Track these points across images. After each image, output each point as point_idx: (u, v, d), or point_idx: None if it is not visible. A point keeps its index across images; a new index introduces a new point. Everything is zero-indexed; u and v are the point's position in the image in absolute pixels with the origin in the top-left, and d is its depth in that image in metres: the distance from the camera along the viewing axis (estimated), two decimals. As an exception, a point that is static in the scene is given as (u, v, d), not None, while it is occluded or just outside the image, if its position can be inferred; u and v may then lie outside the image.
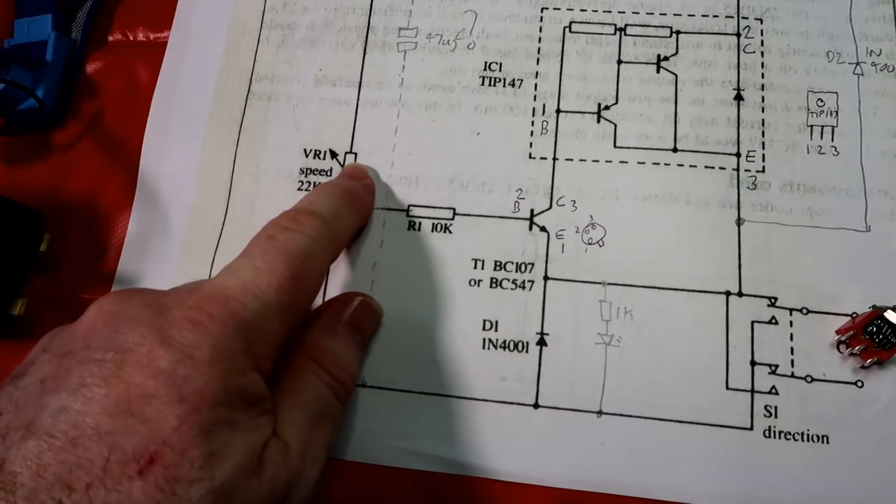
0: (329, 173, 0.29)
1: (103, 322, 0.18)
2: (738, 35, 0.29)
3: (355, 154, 0.29)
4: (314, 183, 0.29)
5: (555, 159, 0.28)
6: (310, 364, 0.23)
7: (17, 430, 0.17)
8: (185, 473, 0.17)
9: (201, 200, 0.29)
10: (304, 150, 0.29)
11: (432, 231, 0.28)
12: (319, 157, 0.29)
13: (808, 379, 0.25)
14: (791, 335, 0.26)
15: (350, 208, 0.26)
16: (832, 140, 0.28)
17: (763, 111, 0.28)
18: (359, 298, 0.26)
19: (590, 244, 0.27)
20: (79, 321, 0.19)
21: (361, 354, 0.26)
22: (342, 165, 0.29)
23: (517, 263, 0.27)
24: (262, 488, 0.19)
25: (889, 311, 0.24)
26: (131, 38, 0.32)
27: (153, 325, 0.18)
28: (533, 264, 0.27)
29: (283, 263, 0.21)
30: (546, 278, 0.27)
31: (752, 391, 0.25)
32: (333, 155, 0.29)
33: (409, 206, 0.28)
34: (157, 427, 0.17)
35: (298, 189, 0.29)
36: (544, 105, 0.29)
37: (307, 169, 0.29)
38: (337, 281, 0.28)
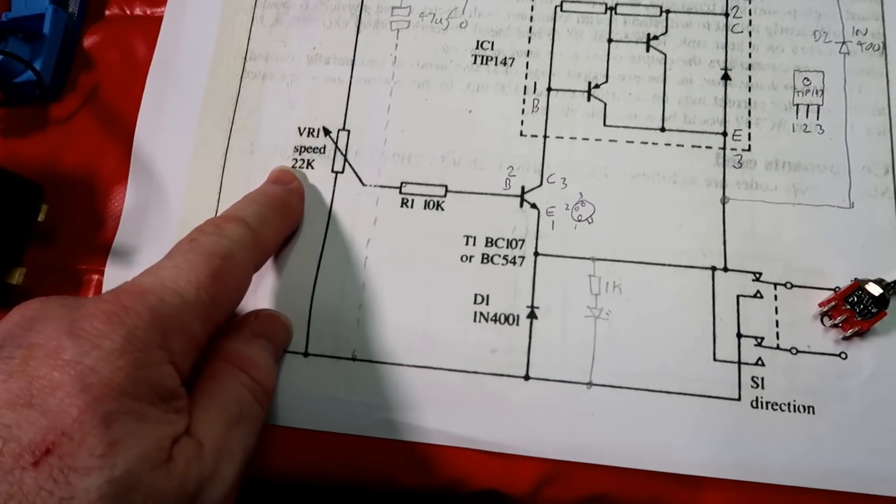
0: (323, 150, 0.29)
1: (20, 324, 0.19)
2: (727, 15, 0.29)
3: (348, 131, 0.29)
4: (308, 161, 0.29)
5: (545, 137, 0.29)
6: (227, 367, 0.23)
7: None
8: (83, 462, 0.17)
9: (196, 176, 0.29)
10: (299, 128, 0.30)
11: (425, 208, 0.28)
12: (313, 135, 0.30)
13: (794, 351, 0.26)
14: (776, 308, 0.26)
15: (277, 213, 0.26)
16: (818, 118, 0.28)
17: (750, 90, 0.29)
18: (266, 311, 0.27)
19: (579, 221, 0.28)
20: (0, 323, 0.20)
21: (275, 364, 0.26)
22: (335, 143, 0.29)
23: (508, 240, 0.28)
24: (170, 483, 0.18)
25: (870, 283, 0.25)
26: (128, 12, 0.32)
27: (65, 320, 0.18)
28: (523, 240, 0.28)
29: (204, 262, 0.21)
30: (536, 254, 0.27)
31: (739, 363, 0.26)
32: (327, 132, 0.30)
33: (402, 182, 0.29)
34: (57, 417, 0.17)
35: (292, 167, 0.29)
36: (535, 83, 0.29)
37: (301, 146, 0.29)
38: (332, 259, 0.28)
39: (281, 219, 0.26)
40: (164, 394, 0.19)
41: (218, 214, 0.24)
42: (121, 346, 0.18)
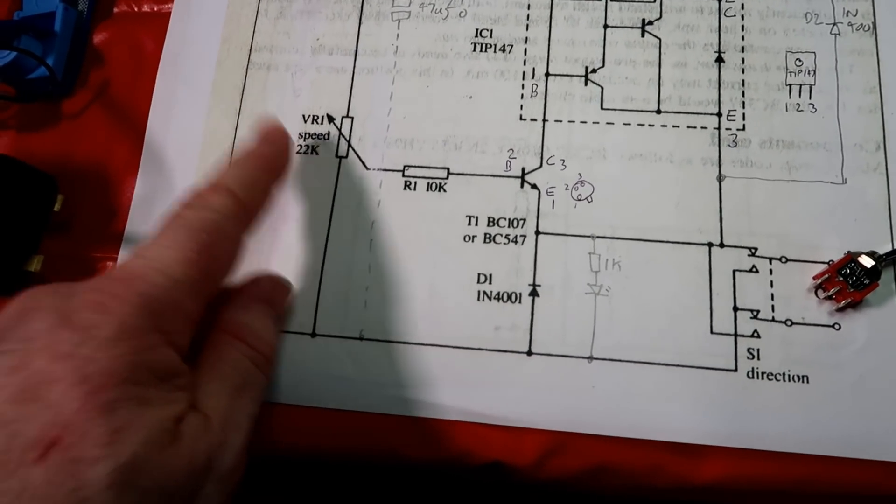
0: (327, 137, 0.30)
1: (15, 315, 0.19)
2: (719, -1, 0.30)
3: (352, 118, 0.30)
4: (313, 147, 0.30)
5: (545, 121, 0.30)
6: (227, 338, 0.23)
7: None
8: (88, 453, 0.17)
9: (205, 166, 0.30)
10: (303, 116, 0.31)
11: (427, 190, 0.29)
12: (318, 122, 0.30)
13: (788, 323, 0.26)
14: (771, 282, 0.27)
15: (264, 173, 0.25)
16: (810, 98, 0.29)
17: (743, 72, 0.29)
18: (266, 275, 0.27)
19: (579, 200, 0.28)
20: None
21: (277, 327, 0.26)
22: (339, 129, 0.30)
23: (510, 219, 0.28)
24: (179, 461, 0.19)
25: (863, 255, 0.26)
26: (136, 9, 0.33)
27: (59, 312, 0.18)
28: (525, 220, 0.28)
29: (190, 239, 0.21)
30: (538, 233, 0.28)
31: (736, 335, 0.26)
32: (331, 119, 0.30)
33: (405, 166, 0.29)
34: (59, 410, 0.17)
35: (297, 152, 0.30)
36: (534, 69, 0.30)
37: (306, 133, 0.30)
38: (338, 241, 0.29)
39: (269, 176, 0.25)
40: (165, 374, 0.20)
41: (202, 185, 0.24)
42: (115, 335, 0.18)
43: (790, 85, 0.29)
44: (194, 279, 0.21)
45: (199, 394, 0.21)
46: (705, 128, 0.29)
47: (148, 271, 0.20)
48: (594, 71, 0.30)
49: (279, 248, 0.29)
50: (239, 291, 0.25)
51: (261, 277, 0.26)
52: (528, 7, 0.31)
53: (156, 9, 0.33)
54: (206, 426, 0.20)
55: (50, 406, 0.17)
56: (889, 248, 0.26)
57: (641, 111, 0.29)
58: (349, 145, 0.30)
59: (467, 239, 0.28)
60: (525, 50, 0.30)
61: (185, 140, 0.31)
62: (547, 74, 0.30)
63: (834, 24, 0.29)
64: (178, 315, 0.21)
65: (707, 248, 0.27)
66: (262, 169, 0.25)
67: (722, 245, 0.27)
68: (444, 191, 0.29)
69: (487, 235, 0.28)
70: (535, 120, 0.30)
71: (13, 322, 0.19)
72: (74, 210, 0.30)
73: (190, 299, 0.21)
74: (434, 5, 0.31)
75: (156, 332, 0.19)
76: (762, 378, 0.26)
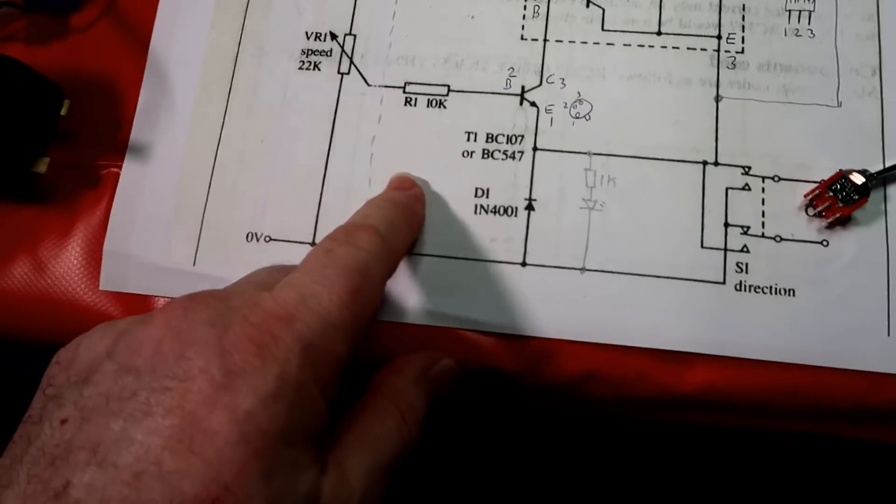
0: (329, 53, 0.30)
1: (170, 342, 0.18)
2: (723, -80, 0.30)
3: (354, 35, 0.31)
4: (315, 63, 0.30)
5: (545, 41, 0.30)
6: (395, 413, 0.22)
7: (82, 451, 0.16)
8: None
9: (207, 78, 0.30)
10: (306, 33, 0.31)
11: (428, 106, 0.29)
12: (320, 39, 0.31)
13: (777, 238, 0.27)
14: (763, 200, 0.27)
15: (404, 220, 0.25)
16: (809, 23, 0.29)
17: (744, -4, 0.30)
18: (447, 362, 0.25)
19: (577, 118, 0.29)
20: (145, 328, 0.18)
21: (428, 402, 0.24)
22: (342, 47, 0.30)
23: (508, 136, 0.29)
24: None
25: (854, 172, 0.26)
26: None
27: (216, 349, 0.18)
28: (523, 136, 0.29)
29: (343, 279, 0.20)
30: (535, 149, 0.29)
31: (725, 249, 0.27)
32: (334, 37, 0.31)
33: (406, 83, 0.30)
34: (218, 469, 0.16)
35: (299, 68, 0.30)
36: (536, -10, 0.30)
37: (308, 49, 0.31)
38: (338, 157, 0.29)
39: (407, 225, 0.25)
40: (314, 432, 0.19)
41: (346, 223, 0.23)
42: (275, 389, 0.17)
43: (790, 10, 0.29)
44: (348, 324, 0.20)
45: (344, 454, 0.20)
46: (705, 50, 0.29)
47: (304, 311, 0.19)
48: (596, -8, 0.30)
49: (281, 162, 0.29)
50: (411, 361, 0.24)
51: (443, 362, 0.25)
52: (532, -74, 0.31)
53: (162, -76, 0.33)
54: (348, 496, 0.19)
55: (210, 463, 0.16)
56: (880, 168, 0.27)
57: (642, 32, 0.30)
58: (351, 62, 0.30)
59: (466, 154, 0.29)
60: (528, -30, 0.30)
61: (188, 54, 0.31)
62: (549, -5, 0.30)
63: (836, -52, 0.29)
64: (331, 363, 0.19)
65: (702, 165, 0.28)
66: (401, 215, 0.25)
67: (716, 163, 0.28)
68: (444, 107, 0.29)
69: (486, 151, 0.29)
70: (536, 40, 0.30)
71: (167, 351, 0.18)
72: (80, 120, 0.30)
73: (343, 345, 0.20)
74: (438, -75, 0.31)
75: (312, 384, 0.18)
76: (749, 291, 0.26)
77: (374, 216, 0.24)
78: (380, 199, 0.26)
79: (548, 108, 0.29)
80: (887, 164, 0.27)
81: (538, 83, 0.29)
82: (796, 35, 0.29)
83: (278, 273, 0.22)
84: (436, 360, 0.25)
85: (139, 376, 0.17)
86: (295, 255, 0.28)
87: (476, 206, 0.28)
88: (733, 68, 0.29)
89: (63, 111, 0.29)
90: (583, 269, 0.27)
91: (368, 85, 0.30)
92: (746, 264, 0.27)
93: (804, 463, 0.45)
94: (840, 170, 0.27)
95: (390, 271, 0.23)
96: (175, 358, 0.17)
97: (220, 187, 0.29)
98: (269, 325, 0.18)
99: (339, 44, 0.31)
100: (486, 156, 0.29)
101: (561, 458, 0.48)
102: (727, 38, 0.29)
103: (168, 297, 0.28)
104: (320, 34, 0.31)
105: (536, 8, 0.30)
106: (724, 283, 0.27)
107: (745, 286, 0.27)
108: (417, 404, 0.23)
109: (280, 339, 0.18)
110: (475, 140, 0.29)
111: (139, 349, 0.18)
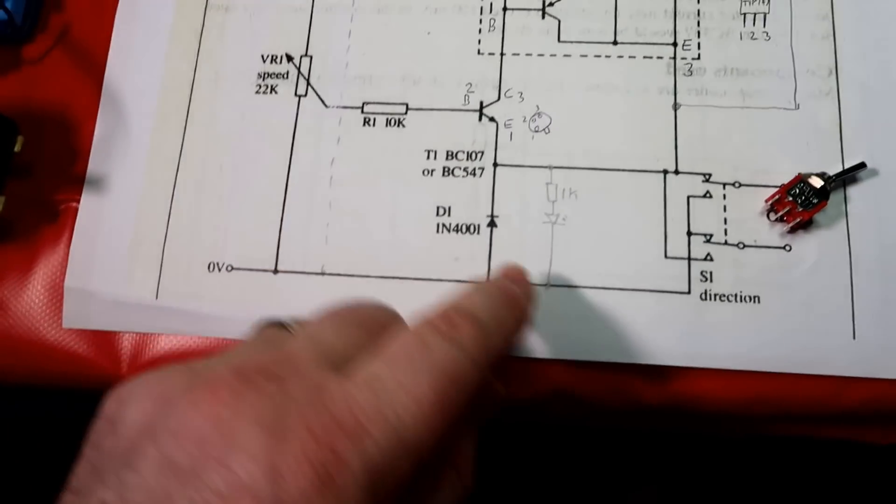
0: (286, 76, 0.30)
1: (215, 441, 0.16)
2: (674, -73, 0.30)
3: (311, 57, 0.30)
4: (272, 86, 0.30)
5: (502, 55, 0.30)
6: (453, 477, 0.19)
7: None
8: None
9: (164, 106, 0.30)
10: (262, 56, 0.30)
11: (386, 126, 0.29)
12: (276, 62, 0.30)
13: (741, 245, 0.27)
14: (724, 207, 0.27)
15: (511, 313, 0.21)
16: (764, 25, 0.29)
17: (699, 2, 0.29)
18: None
19: (536, 132, 0.29)
20: (189, 412, 0.16)
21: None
22: (298, 68, 0.30)
23: (468, 152, 0.29)
24: None
25: (813, 176, 0.26)
26: (91, -48, 0.33)
27: (266, 466, 0.15)
28: (483, 152, 0.29)
29: (432, 388, 0.17)
30: (495, 165, 0.28)
31: (689, 259, 0.27)
32: (290, 59, 0.30)
33: (364, 103, 0.29)
34: None
35: (256, 92, 0.30)
36: (491, 3, 0.30)
37: (265, 73, 0.30)
38: (298, 181, 0.29)
39: (514, 321, 0.21)
40: None
41: (449, 307, 0.19)
42: None
43: (745, 14, 0.29)
44: (423, 444, 0.16)
45: None
46: (661, 58, 0.29)
47: (378, 423, 0.16)
48: (551, 4, 0.30)
49: (240, 189, 0.29)
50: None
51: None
52: (484, -60, 0.31)
53: (112, -48, 0.32)
54: None
55: None
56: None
57: (598, 42, 0.29)
58: (308, 84, 0.30)
59: (426, 173, 0.29)
60: (482, -16, 0.30)
61: (144, 83, 0.31)
62: (504, 9, 0.30)
63: (788, -50, 0.29)
64: (395, 489, 0.16)
65: (662, 175, 0.28)
66: (509, 306, 0.21)
67: (677, 172, 0.28)
68: (403, 126, 0.29)
69: (446, 169, 0.29)
70: (493, 54, 0.30)
71: (212, 450, 0.15)
72: (36, 155, 0.30)
73: (411, 468, 0.16)
74: (391, -59, 0.31)
75: None
76: (714, 299, 0.26)
77: (482, 306, 0.20)
78: (491, 287, 0.22)
79: (507, 122, 0.29)
80: (846, 166, 0.27)
81: (496, 98, 0.29)
82: (752, 38, 0.29)
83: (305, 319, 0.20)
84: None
85: (180, 478, 0.15)
86: (257, 283, 0.28)
87: (438, 225, 0.28)
88: (690, 75, 0.29)
89: (17, 147, 0.28)
90: (547, 286, 0.27)
91: (326, 106, 0.30)
92: (711, 273, 0.27)
93: (779, 464, 0.45)
94: (799, 173, 0.27)
95: (484, 378, 0.19)
96: (217, 465, 0.15)
97: (180, 218, 0.29)
98: (334, 440, 0.15)
99: (295, 65, 0.30)
100: (446, 173, 0.29)
101: (537, 464, 0.48)
102: (683, 45, 0.29)
103: (133, 332, 0.28)
104: (276, 56, 0.30)
105: (492, 21, 0.30)
106: (689, 292, 0.27)
107: (710, 295, 0.26)
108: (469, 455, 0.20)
109: (345, 464, 0.15)
110: (435, 158, 0.29)
111: (181, 440, 0.16)
